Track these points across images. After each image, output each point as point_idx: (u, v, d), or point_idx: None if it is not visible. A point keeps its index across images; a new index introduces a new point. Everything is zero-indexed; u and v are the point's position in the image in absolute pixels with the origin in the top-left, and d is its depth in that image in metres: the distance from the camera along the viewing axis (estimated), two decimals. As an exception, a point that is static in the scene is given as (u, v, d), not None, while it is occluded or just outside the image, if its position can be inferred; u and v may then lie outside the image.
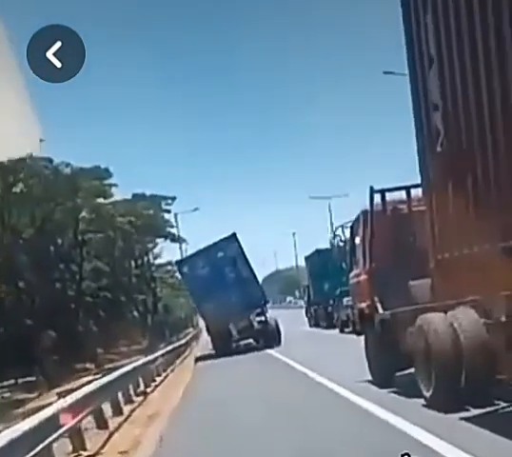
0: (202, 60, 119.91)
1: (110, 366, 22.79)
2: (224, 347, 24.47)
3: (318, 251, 31.49)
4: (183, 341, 28.56)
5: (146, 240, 48.67)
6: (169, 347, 22.35)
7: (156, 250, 52.63)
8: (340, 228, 12.60)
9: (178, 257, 38.36)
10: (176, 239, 49.70)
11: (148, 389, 14.77)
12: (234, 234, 25.96)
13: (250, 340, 25.64)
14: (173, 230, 50.79)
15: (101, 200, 39.96)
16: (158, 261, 53.06)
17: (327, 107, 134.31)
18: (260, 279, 33.32)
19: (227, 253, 25.54)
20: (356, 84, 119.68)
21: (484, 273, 6.62)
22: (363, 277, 10.99)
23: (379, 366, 10.22)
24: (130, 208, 43.96)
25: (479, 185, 6.19)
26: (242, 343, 25.57)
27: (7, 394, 27.29)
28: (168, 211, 50.20)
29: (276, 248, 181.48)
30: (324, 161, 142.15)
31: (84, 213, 38.94)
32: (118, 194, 42.98)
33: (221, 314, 24.37)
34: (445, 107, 6.64)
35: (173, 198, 51.13)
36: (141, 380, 14.50)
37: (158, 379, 16.98)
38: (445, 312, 8.02)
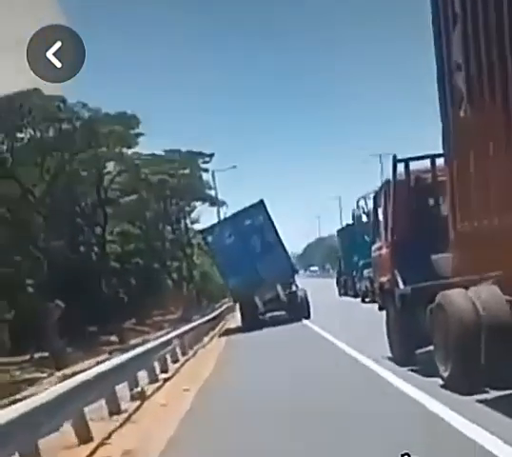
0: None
1: (134, 342, 22.00)
2: (250, 319, 24.04)
3: (348, 225, 33.31)
4: (216, 312, 28.10)
5: (182, 203, 45.91)
6: (200, 321, 22.20)
7: (194, 215, 49.41)
8: (363, 200, 12.04)
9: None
10: (214, 202, 46.16)
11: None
12: (262, 201, 25.46)
13: (281, 311, 25.15)
14: (212, 193, 46.80)
15: (129, 151, 35.85)
16: (196, 226, 49.22)
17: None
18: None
19: (254, 222, 24.94)
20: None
21: (508, 247, 6.10)
22: (384, 250, 10.67)
23: (399, 342, 10.02)
24: (163, 166, 40.35)
25: (502, 152, 5.68)
26: (271, 315, 25.16)
27: (17, 372, 24.47)
28: (206, 170, 45.71)
29: (321, 212, 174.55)
30: (376, 125, 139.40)
31: (109, 167, 35.06)
32: (146, 149, 39.81)
33: (246, 285, 23.96)
34: (468, 67, 6.13)
35: (211, 155, 45.70)
36: (156, 364, 12.61)
37: (174, 366, 14.52)
38: (467, 288, 7.56)
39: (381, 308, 11.32)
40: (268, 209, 25.48)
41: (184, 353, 16.33)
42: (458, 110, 6.95)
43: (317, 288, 36.74)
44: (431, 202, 9.77)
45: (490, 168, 6.27)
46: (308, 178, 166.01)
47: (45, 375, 21.44)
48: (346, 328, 17.37)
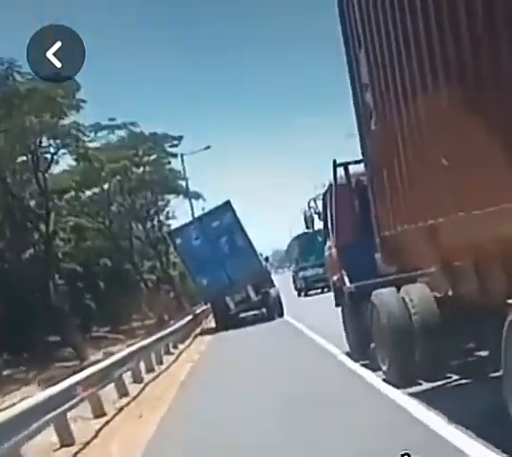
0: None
1: (94, 358, 21.41)
2: (223, 320, 27.57)
3: (298, 235, 45.11)
4: (190, 317, 29.87)
5: (151, 196, 46.08)
6: (175, 326, 23.92)
7: (168, 209, 49.82)
8: (313, 201, 13.56)
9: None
10: (185, 193, 45.95)
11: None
12: (228, 202, 28.58)
13: (254, 311, 28.59)
14: (185, 182, 46.53)
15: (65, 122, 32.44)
16: (172, 222, 49.30)
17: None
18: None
19: (222, 223, 27.86)
20: None
21: (427, 249, 7.44)
22: (333, 250, 12.09)
23: (352, 338, 11.44)
24: (122, 152, 39.75)
25: (408, 164, 7.05)
26: (244, 314, 28.59)
27: None
28: (175, 155, 44.53)
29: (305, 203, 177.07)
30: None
31: (44, 141, 31.83)
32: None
33: (217, 287, 26.91)
34: (374, 88, 7.48)
35: (180, 138, 44.58)
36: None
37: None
38: (399, 287, 8.87)
39: (337, 305, 12.80)
40: (235, 210, 28.12)
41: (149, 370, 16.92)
42: (369, 124, 8.33)
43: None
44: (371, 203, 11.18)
45: (399, 176, 7.65)
46: (293, 165, 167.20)
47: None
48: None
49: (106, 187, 41.13)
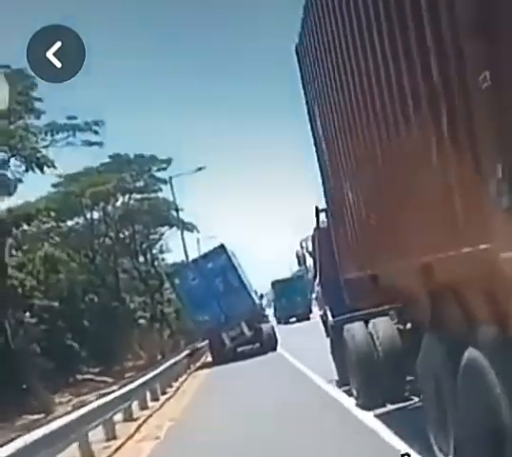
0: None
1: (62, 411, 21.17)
2: (219, 354, 34.72)
3: (277, 281, 73.25)
4: (183, 354, 34.02)
5: (143, 229, 49.51)
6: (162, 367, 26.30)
7: (162, 242, 54.15)
8: (304, 242, 17.14)
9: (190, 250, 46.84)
10: (186, 227, 49.64)
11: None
12: (222, 246, 36.54)
13: (249, 346, 35.63)
14: (178, 214, 49.39)
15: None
16: (167, 256, 54.91)
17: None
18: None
19: (216, 265, 35.58)
20: None
21: (377, 292, 10.83)
22: (319, 287, 15.63)
23: (338, 367, 14.77)
24: (105, 177, 42.31)
25: (353, 219, 10.47)
26: (241, 349, 35.88)
27: None
28: (165, 182, 47.42)
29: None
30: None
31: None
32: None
33: (213, 324, 34.23)
34: (327, 141, 11.03)
35: (168, 161, 47.24)
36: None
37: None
38: (367, 321, 12.34)
39: (327, 336, 16.32)
40: (229, 253, 36.01)
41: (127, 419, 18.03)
42: (328, 176, 11.91)
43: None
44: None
45: (349, 229, 11.06)
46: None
47: None
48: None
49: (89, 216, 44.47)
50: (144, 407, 20.59)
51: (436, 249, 6.37)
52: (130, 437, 15.89)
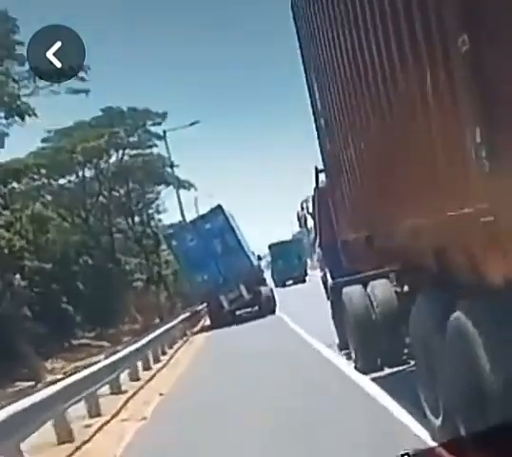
0: None
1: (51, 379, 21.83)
2: (217, 317, 35.74)
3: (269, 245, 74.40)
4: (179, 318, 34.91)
5: (139, 188, 49.67)
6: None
7: (159, 202, 54.41)
8: (305, 202, 17.45)
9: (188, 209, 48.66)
10: (182, 185, 49.60)
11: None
12: (220, 206, 37.49)
13: (247, 309, 36.75)
14: (173, 170, 49.09)
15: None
16: (163, 216, 55.21)
17: None
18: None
19: (214, 226, 36.58)
20: None
21: (372, 254, 11.13)
22: (318, 249, 15.96)
23: (338, 329, 15.19)
24: (96, 131, 41.98)
25: (350, 182, 10.79)
26: (239, 312, 36.57)
27: None
28: (160, 137, 47.04)
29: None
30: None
31: None
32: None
33: (211, 286, 35.23)
34: (325, 110, 11.32)
35: (163, 115, 46.87)
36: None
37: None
38: (366, 283, 12.65)
39: (327, 298, 16.67)
40: (227, 213, 36.97)
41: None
42: (325, 142, 12.17)
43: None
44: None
45: (346, 191, 11.36)
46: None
47: None
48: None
49: (81, 174, 44.41)
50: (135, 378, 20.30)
51: (423, 213, 6.71)
52: (115, 416, 15.02)
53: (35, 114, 33.38)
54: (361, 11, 7.91)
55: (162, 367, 22.93)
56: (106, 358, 17.98)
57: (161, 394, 16.85)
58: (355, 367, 13.61)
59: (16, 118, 32.86)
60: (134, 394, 17.52)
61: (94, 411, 14.96)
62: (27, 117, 32.94)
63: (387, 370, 12.70)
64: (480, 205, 5.18)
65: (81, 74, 34.54)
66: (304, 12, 12.06)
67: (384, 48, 7.15)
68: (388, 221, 8.60)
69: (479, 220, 5.18)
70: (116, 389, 17.76)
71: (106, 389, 17.10)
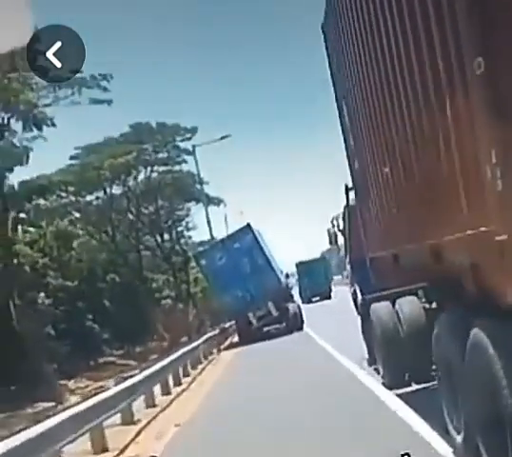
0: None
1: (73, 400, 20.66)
2: (246, 334, 37.35)
3: (302, 262, 78.82)
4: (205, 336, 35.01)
5: (168, 205, 49.73)
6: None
7: (188, 219, 54.27)
8: (335, 219, 17.85)
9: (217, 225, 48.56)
10: (212, 201, 49.57)
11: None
12: (249, 225, 39.09)
13: (275, 325, 37.86)
14: (202, 186, 48.55)
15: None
16: (193, 233, 55.16)
17: None
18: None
19: (242, 245, 38.23)
20: None
21: (400, 271, 11.37)
22: (349, 266, 16.32)
23: (368, 345, 15.63)
24: (123, 148, 41.98)
25: (377, 201, 11.05)
26: (267, 328, 37.74)
27: None
28: (189, 153, 46.53)
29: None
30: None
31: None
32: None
33: (240, 304, 36.64)
34: (353, 133, 11.59)
35: (193, 130, 46.64)
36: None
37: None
38: (394, 300, 12.91)
39: (357, 314, 16.99)
40: (255, 232, 38.55)
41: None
42: (354, 162, 12.48)
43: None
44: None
45: (373, 210, 11.62)
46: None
47: None
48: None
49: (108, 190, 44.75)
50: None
51: (444, 232, 6.93)
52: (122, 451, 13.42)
53: (54, 124, 32.88)
54: (386, 37, 8.27)
55: (182, 391, 21.68)
56: (116, 384, 16.25)
57: (177, 425, 15.31)
58: (383, 383, 13.91)
59: (35, 131, 32.05)
60: (147, 424, 15.99)
61: (98, 446, 13.31)
62: (44, 127, 32.29)
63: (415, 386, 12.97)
64: (494, 224, 5.41)
65: (103, 83, 36.27)
66: (333, 35, 12.42)
67: (406, 71, 7.50)
68: (413, 239, 8.83)
69: (493, 238, 5.40)
70: (128, 419, 15.95)
71: (116, 419, 15.50)
